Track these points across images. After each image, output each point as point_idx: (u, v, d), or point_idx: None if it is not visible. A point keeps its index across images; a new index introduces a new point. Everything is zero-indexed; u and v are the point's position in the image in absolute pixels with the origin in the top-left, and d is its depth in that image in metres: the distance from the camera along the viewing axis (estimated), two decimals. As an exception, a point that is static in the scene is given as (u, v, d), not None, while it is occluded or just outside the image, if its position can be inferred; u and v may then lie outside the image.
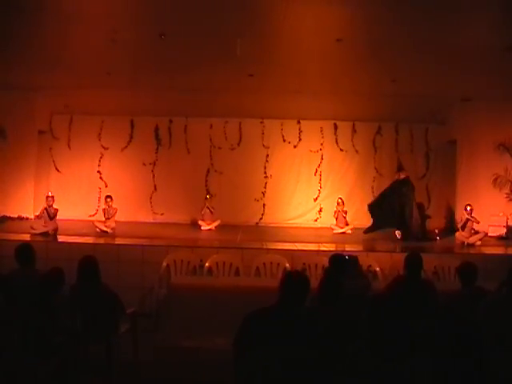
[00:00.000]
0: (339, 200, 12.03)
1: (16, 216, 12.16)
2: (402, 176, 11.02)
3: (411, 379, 3.61)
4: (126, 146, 13.41)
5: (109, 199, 10.76)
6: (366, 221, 13.06)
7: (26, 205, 12.42)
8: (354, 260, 5.95)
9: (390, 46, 8.39)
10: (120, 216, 10.99)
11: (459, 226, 10.14)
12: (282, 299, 3.52)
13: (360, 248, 9.31)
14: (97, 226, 10.29)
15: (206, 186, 13.31)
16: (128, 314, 5.40)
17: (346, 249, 9.00)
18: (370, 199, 13.22)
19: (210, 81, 10.87)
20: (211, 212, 11.95)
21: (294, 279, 3.61)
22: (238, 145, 13.44)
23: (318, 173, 13.48)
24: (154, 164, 13.43)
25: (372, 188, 13.28)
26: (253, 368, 3.34)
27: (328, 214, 12.82)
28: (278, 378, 3.29)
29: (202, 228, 11.65)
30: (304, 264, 7.45)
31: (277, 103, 12.28)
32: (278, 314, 3.49)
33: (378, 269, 7.38)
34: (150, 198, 13.34)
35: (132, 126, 13.39)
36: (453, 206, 12.35)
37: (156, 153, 13.43)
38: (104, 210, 10.78)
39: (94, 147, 13.39)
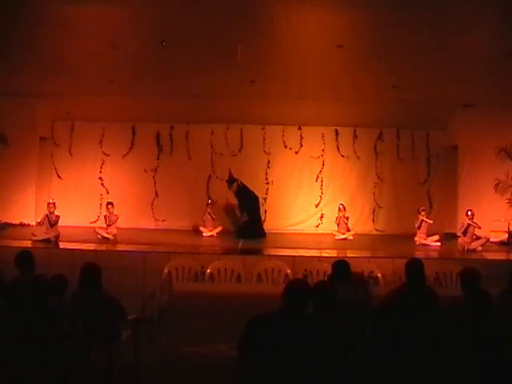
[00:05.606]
0: (340, 206, 12.00)
1: (17, 223, 12.18)
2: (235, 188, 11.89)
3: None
4: (128, 153, 13.43)
5: (110, 206, 10.74)
6: (368, 227, 13.16)
7: (27, 211, 12.44)
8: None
9: (391, 52, 8.42)
10: (121, 222, 10.99)
11: (461, 231, 10.11)
12: (285, 305, 3.55)
13: (362, 254, 9.29)
14: (98, 233, 10.28)
15: (208, 192, 13.31)
16: (130, 321, 5.39)
17: (348, 255, 8.98)
18: (371, 205, 13.29)
19: (212, 87, 10.89)
20: (213, 218, 11.95)
21: (297, 287, 3.65)
22: (240, 151, 13.45)
23: (320, 179, 13.48)
24: (156, 170, 13.44)
25: (373, 194, 13.29)
26: (256, 372, 3.35)
27: (330, 220, 12.80)
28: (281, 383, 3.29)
29: (204, 234, 11.63)
30: (305, 270, 7.43)
31: (278, 109, 12.30)
32: (280, 319, 3.51)
33: (379, 275, 7.36)
34: (152, 204, 13.35)
35: (133, 133, 13.42)
36: (454, 211, 12.32)
37: (157, 159, 13.45)
38: (105, 216, 10.76)
39: (96, 154, 13.42)
